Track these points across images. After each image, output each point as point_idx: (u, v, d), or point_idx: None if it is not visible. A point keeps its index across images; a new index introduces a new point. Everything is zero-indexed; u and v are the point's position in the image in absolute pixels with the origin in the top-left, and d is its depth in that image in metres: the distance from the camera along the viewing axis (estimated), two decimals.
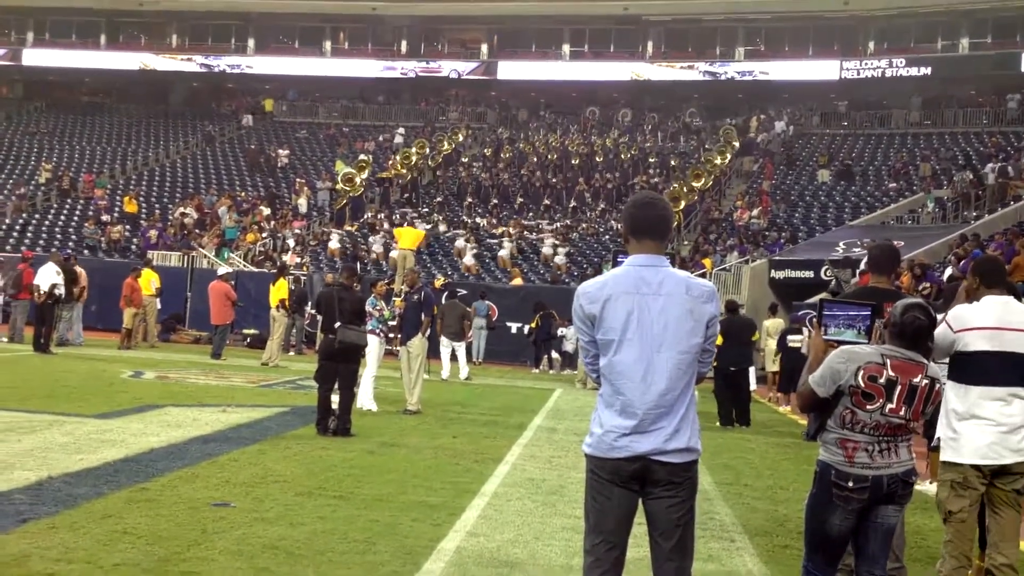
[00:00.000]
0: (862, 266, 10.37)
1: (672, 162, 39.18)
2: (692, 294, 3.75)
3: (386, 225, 32.52)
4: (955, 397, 5.17)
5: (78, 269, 21.33)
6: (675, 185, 33.55)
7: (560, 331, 23.41)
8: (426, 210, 35.26)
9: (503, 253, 30.19)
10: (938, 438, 5.27)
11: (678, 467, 3.70)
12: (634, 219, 3.86)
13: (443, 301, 21.07)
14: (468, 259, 29.71)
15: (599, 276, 3.97)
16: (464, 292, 24.07)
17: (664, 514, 3.71)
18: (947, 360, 5.22)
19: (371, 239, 31.58)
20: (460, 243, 30.96)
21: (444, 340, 19.35)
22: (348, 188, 35.26)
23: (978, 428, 5.06)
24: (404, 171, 38.03)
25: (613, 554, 3.74)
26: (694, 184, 34.47)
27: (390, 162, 37.98)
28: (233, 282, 21.52)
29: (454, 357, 19.51)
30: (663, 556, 3.74)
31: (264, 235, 32.79)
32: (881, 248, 6.11)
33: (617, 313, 3.73)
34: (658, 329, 3.70)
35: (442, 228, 33.30)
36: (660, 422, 3.68)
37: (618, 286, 3.76)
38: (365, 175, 36.51)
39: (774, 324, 19.51)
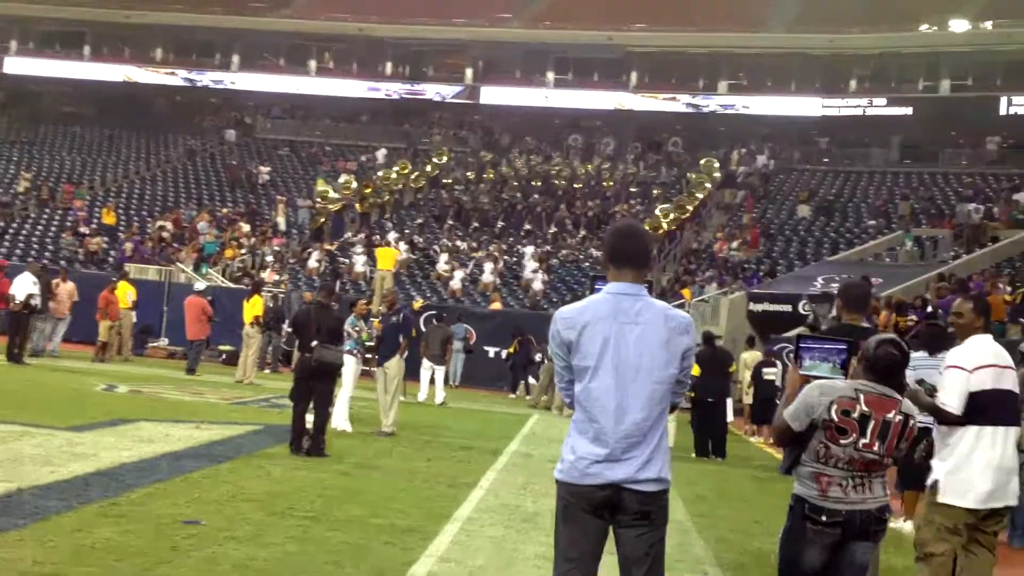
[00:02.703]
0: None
1: (654, 191, 39.38)
2: (669, 325, 3.76)
3: (360, 247, 32.30)
4: (954, 437, 5.08)
5: (69, 283, 21.21)
6: (657, 215, 33.68)
7: (538, 356, 23.36)
8: (407, 231, 35.20)
9: (486, 277, 30.18)
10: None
11: (649, 496, 3.70)
12: (614, 248, 3.88)
13: (433, 323, 21.02)
14: (455, 283, 29.66)
15: (577, 302, 3.97)
16: (436, 314, 23.95)
17: (634, 543, 3.71)
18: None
19: (352, 259, 31.46)
20: (442, 266, 30.93)
21: (425, 363, 19.27)
22: (322, 204, 35.24)
23: (981, 470, 5.00)
24: (378, 194, 37.93)
25: None
26: (680, 215, 34.64)
27: (366, 188, 37.69)
28: (211, 298, 21.40)
29: (433, 380, 19.42)
30: None
31: (243, 251, 32.67)
32: (853, 286, 6.14)
33: (594, 340, 3.73)
34: (634, 358, 3.70)
35: (420, 249, 33.24)
36: (633, 451, 3.68)
37: (596, 313, 3.76)
38: (350, 193, 36.44)
39: (751, 356, 19.53)
